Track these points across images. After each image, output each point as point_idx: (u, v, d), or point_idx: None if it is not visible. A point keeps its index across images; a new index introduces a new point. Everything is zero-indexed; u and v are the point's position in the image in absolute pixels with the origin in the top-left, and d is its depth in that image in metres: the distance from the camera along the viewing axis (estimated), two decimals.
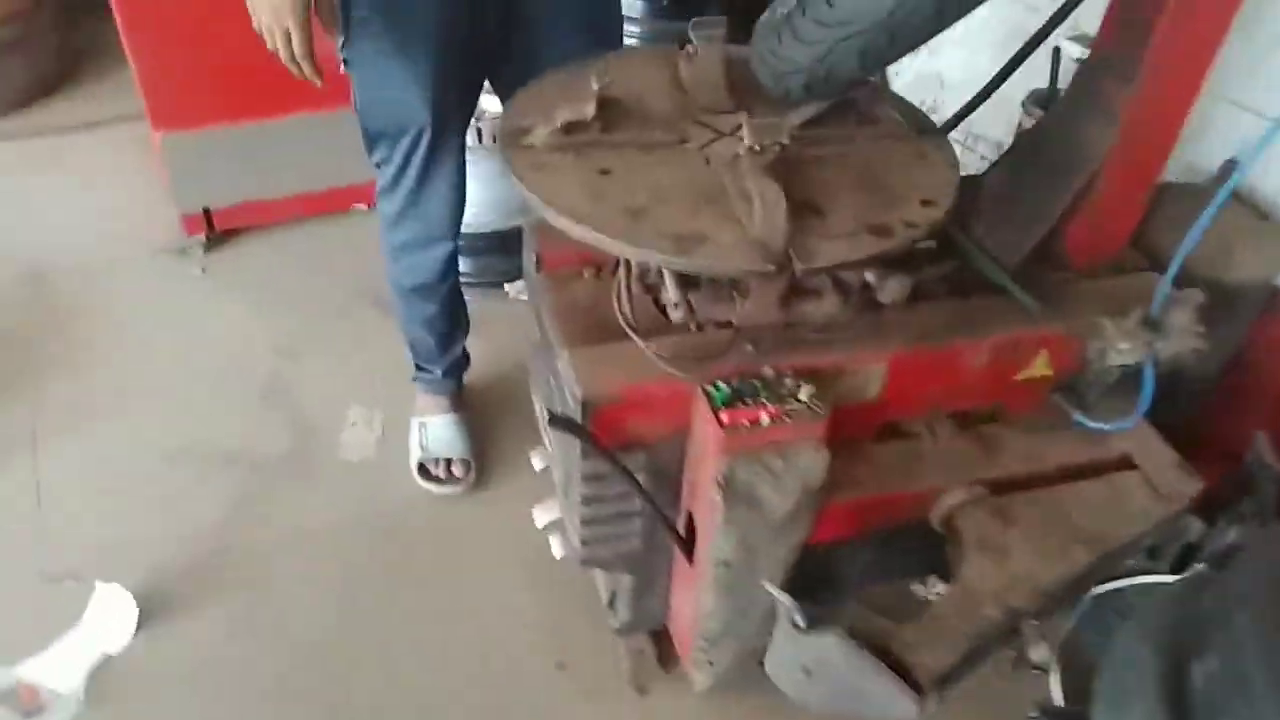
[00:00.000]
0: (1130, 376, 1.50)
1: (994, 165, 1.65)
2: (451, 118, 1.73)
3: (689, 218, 1.19)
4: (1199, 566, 1.68)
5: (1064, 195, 1.48)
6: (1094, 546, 1.42)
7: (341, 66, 1.66)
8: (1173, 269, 1.43)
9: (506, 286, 2.53)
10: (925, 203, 1.26)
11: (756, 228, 1.15)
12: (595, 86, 1.27)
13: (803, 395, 1.32)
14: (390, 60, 1.58)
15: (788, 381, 1.34)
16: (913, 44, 1.12)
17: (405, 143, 1.71)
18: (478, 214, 2.36)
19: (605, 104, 1.30)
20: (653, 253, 1.14)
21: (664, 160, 1.30)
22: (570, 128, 1.29)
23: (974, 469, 1.51)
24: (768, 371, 1.33)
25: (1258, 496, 1.73)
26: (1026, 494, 1.49)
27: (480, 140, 2.33)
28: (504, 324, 2.41)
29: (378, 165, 1.79)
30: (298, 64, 1.50)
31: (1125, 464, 1.55)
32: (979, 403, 1.56)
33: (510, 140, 1.31)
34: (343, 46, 1.64)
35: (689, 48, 1.50)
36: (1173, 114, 1.50)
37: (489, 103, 2.11)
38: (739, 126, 1.39)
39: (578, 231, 1.17)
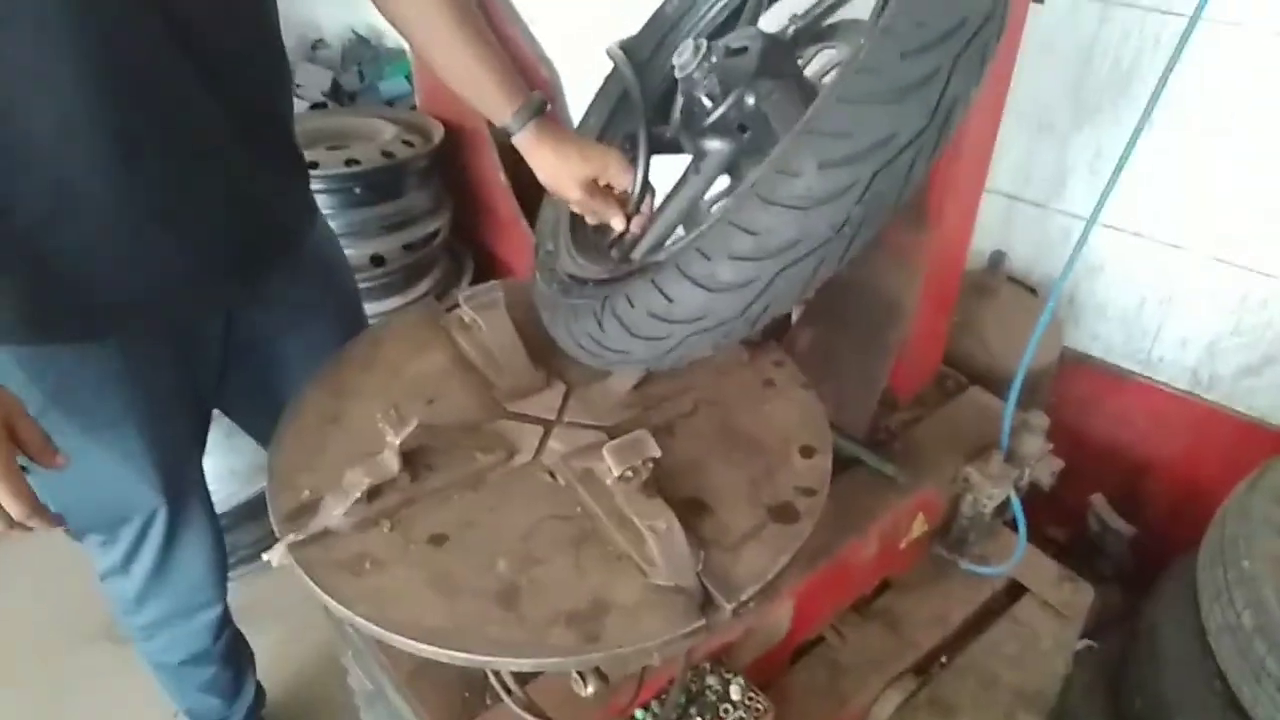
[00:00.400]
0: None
1: (795, 324, 1.55)
2: (189, 479, 1.36)
3: (574, 577, 0.94)
4: (1086, 642, 1.71)
5: (889, 352, 1.41)
6: (1033, 704, 1.37)
7: None
8: (1013, 397, 1.40)
9: (265, 556, 2.08)
10: (805, 451, 1.11)
11: (661, 572, 0.93)
12: (394, 438, 0.98)
13: (735, 693, 1.13)
14: (86, 454, 1.16)
15: (712, 685, 1.14)
16: (773, 317, 0.96)
17: (131, 529, 1.31)
18: (215, 490, 1.92)
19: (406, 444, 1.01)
20: (557, 658, 0.88)
21: (503, 492, 1.04)
22: (374, 493, 0.99)
23: (892, 659, 1.40)
24: (689, 682, 1.12)
25: (1110, 557, 1.79)
26: (949, 665, 1.41)
27: None
28: (280, 601, 1.97)
29: (95, 544, 1.35)
30: (28, 524, 0.95)
31: (1016, 588, 1.52)
32: (872, 584, 1.46)
33: (293, 528, 0.98)
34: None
35: (459, 313, 1.25)
36: (961, 242, 1.48)
37: None
38: (563, 404, 1.17)
39: (446, 657, 0.88)
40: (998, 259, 1.71)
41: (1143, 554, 1.79)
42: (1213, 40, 1.50)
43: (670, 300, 0.92)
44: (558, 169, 1.19)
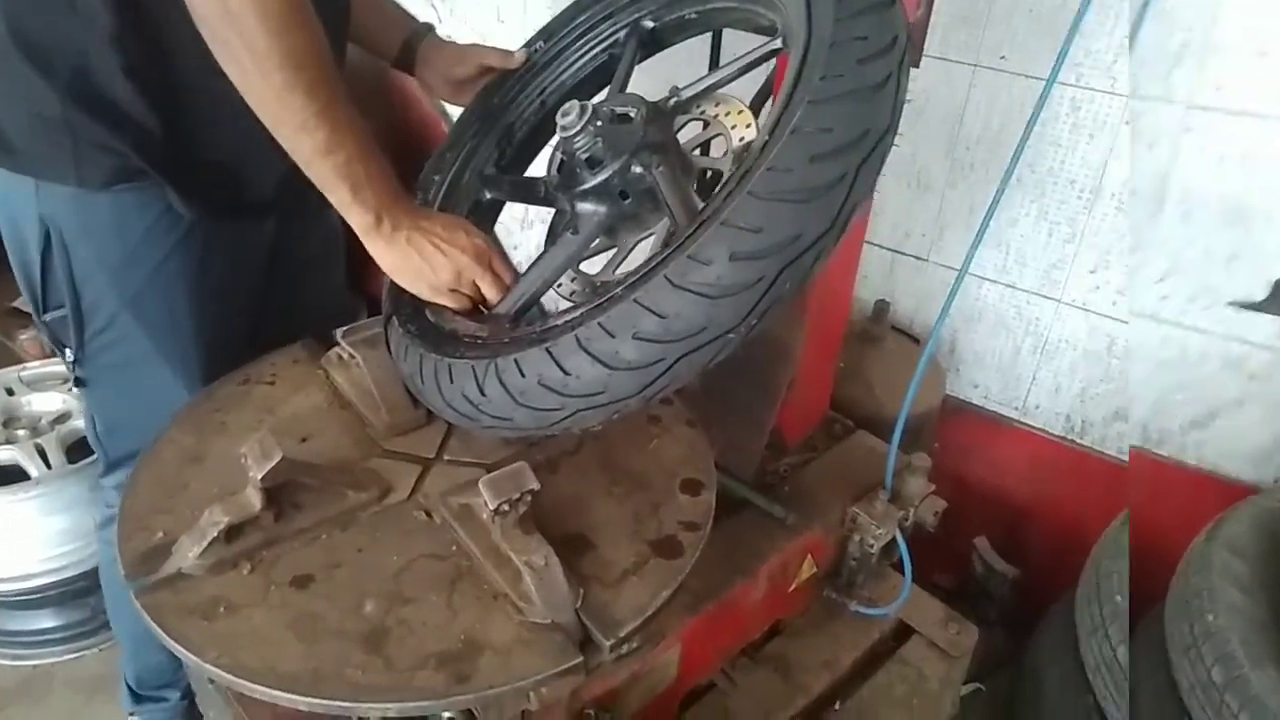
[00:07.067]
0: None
1: None
2: None
3: (445, 617, 0.91)
4: (974, 685, 1.73)
5: (776, 394, 1.43)
6: None
7: (72, 386, 1.42)
8: (895, 439, 1.42)
9: None
10: (690, 487, 1.10)
11: (538, 609, 0.90)
12: (256, 473, 0.93)
13: None
14: (146, 367, 1.27)
15: None
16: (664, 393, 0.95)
17: None
18: (76, 547, 1.81)
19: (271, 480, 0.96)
20: (423, 701, 0.84)
21: (375, 531, 1.00)
22: (233, 532, 0.94)
23: (782, 704, 1.38)
24: None
25: (995, 599, 1.83)
26: (841, 709, 1.41)
27: (49, 465, 1.79)
28: None
29: (110, 468, 1.42)
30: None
31: (904, 630, 1.53)
32: (762, 628, 1.44)
33: (142, 572, 0.92)
34: (75, 363, 1.29)
35: (338, 350, 1.21)
36: (843, 287, 1.52)
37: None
38: (443, 442, 1.14)
39: (304, 704, 0.83)
40: (882, 308, 1.76)
41: (1025, 596, 1.83)
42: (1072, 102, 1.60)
43: (567, 373, 0.90)
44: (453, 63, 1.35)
